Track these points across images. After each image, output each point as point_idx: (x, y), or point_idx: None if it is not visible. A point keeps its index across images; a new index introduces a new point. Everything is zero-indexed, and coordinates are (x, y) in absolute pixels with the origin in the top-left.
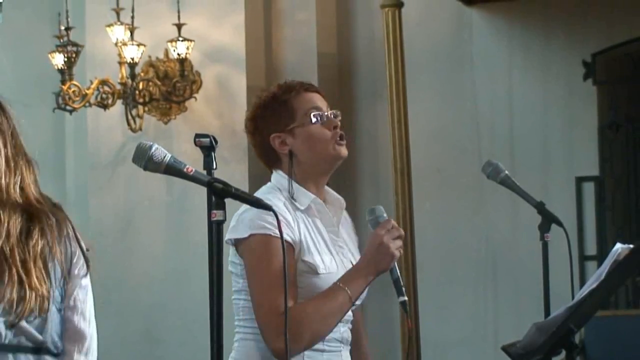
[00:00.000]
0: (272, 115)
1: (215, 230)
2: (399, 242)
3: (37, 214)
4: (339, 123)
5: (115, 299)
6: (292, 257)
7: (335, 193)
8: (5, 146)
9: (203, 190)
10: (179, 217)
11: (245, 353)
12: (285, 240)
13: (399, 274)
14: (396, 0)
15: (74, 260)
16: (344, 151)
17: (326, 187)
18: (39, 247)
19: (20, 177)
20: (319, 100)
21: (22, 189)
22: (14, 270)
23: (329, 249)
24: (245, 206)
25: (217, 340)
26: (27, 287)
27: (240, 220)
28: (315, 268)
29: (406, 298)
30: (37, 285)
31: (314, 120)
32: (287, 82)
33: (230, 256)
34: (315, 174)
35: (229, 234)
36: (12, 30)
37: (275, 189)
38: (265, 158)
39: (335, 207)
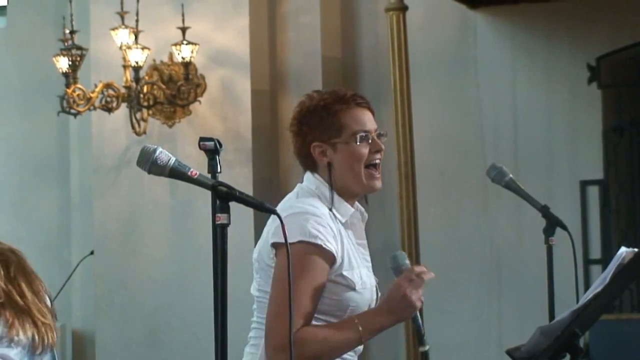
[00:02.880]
0: (319, 123)
1: (220, 233)
2: (421, 291)
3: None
4: (383, 147)
5: (119, 301)
6: (328, 270)
7: (359, 205)
8: None
9: (207, 194)
10: (183, 221)
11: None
12: (330, 252)
13: (420, 322)
14: (400, 4)
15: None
16: (377, 185)
17: None
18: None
19: None
20: (369, 120)
21: None
22: (22, 307)
23: (362, 264)
24: (289, 209)
25: (222, 342)
26: (42, 324)
27: (287, 224)
28: (354, 284)
29: (427, 347)
30: (45, 321)
31: (359, 141)
32: (340, 92)
33: (260, 255)
34: (346, 192)
35: (274, 237)
36: (16, 34)
37: (315, 196)
38: (303, 160)
39: (359, 220)
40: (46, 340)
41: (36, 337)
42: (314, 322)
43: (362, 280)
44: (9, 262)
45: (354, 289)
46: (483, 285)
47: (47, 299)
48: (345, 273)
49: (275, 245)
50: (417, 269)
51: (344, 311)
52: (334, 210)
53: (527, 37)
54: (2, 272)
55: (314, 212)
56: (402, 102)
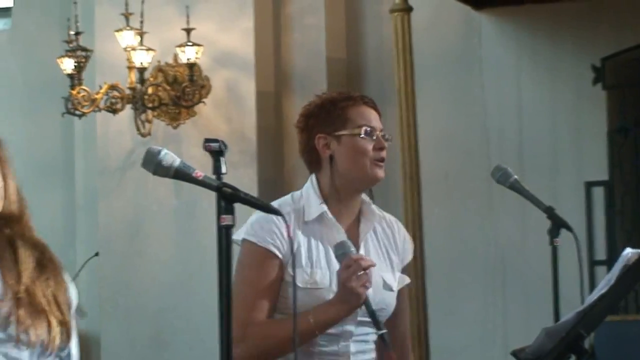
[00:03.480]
0: (325, 116)
1: (224, 234)
2: (365, 277)
3: (44, 253)
4: (386, 145)
5: (124, 302)
6: (277, 269)
7: (373, 207)
8: (12, 177)
9: (212, 195)
10: (187, 222)
11: None
12: (271, 252)
13: (372, 308)
14: (405, 5)
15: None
16: (380, 173)
17: (367, 200)
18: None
19: (27, 211)
20: (374, 118)
21: (29, 223)
22: (35, 307)
23: (329, 265)
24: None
25: (226, 344)
26: (58, 324)
27: (245, 223)
28: (295, 281)
29: (385, 330)
30: (58, 322)
31: (363, 134)
32: (348, 92)
33: None
34: (348, 186)
35: (235, 233)
36: (21, 35)
37: (292, 197)
38: (307, 157)
39: (370, 221)
40: (59, 340)
41: (49, 337)
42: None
43: (313, 279)
44: (43, 255)
45: (297, 286)
46: (488, 286)
47: (69, 294)
48: (289, 270)
49: (235, 242)
50: (355, 256)
51: (289, 308)
52: (305, 209)
53: (531, 38)
54: (32, 266)
55: (264, 215)
56: (407, 102)
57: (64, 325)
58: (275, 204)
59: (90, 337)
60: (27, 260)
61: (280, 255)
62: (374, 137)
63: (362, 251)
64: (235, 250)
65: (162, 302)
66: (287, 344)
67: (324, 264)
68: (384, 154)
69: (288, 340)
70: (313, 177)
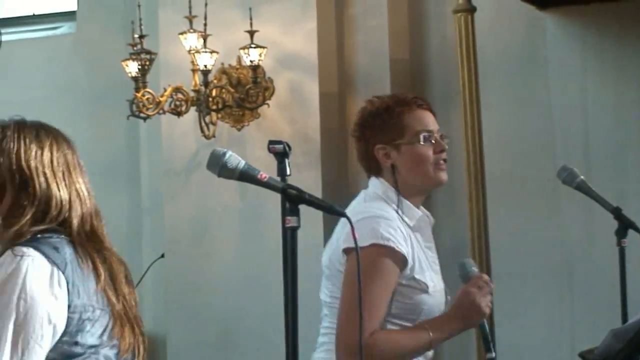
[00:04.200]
0: (381, 125)
1: (290, 236)
2: (490, 298)
3: (112, 258)
4: (446, 147)
5: (190, 304)
6: (399, 273)
7: (424, 209)
8: (85, 184)
9: (277, 197)
10: (252, 223)
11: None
12: (402, 254)
13: (487, 330)
14: (468, 5)
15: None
16: (443, 177)
17: None
18: (125, 289)
19: (98, 219)
20: (431, 121)
21: (103, 232)
22: (126, 313)
23: (430, 267)
24: (360, 213)
25: (293, 345)
26: (140, 332)
27: (358, 229)
28: (426, 287)
29: (494, 355)
30: (140, 329)
31: (422, 141)
32: (400, 95)
33: (331, 262)
34: (412, 192)
35: (345, 242)
36: (86, 39)
37: (381, 200)
38: (366, 164)
39: (427, 224)
40: (141, 350)
41: (134, 346)
42: (388, 327)
43: (434, 283)
44: (126, 267)
45: (426, 292)
46: (554, 287)
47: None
48: (417, 276)
49: (347, 251)
50: (485, 277)
51: (417, 314)
52: (400, 214)
53: (597, 37)
54: (123, 279)
55: (384, 215)
56: (471, 103)
57: (143, 335)
58: (374, 208)
59: (156, 339)
60: (119, 274)
61: (407, 259)
62: (433, 141)
63: (433, 252)
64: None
65: (227, 304)
66: (407, 356)
67: (428, 267)
68: (444, 155)
69: (411, 351)
70: (381, 180)
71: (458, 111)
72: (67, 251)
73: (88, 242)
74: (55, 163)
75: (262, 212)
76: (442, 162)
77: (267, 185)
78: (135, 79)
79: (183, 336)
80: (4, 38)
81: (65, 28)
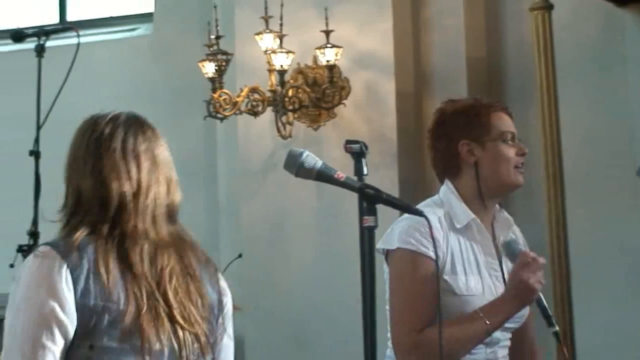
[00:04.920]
0: (466, 122)
1: (367, 236)
2: (540, 274)
3: (174, 248)
4: (527, 151)
5: (266, 303)
6: (433, 271)
7: (505, 213)
8: (139, 172)
9: (354, 196)
10: (329, 223)
11: None
12: (426, 255)
13: (545, 304)
14: (545, 2)
15: (227, 317)
16: (521, 180)
17: (497, 206)
18: (174, 283)
19: (154, 206)
20: (513, 124)
21: (153, 220)
22: (160, 311)
23: (480, 271)
24: (405, 215)
25: (371, 346)
26: (180, 328)
27: (392, 231)
28: (453, 289)
29: (557, 328)
30: (190, 326)
31: (507, 141)
32: (484, 98)
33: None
34: (489, 192)
35: (380, 243)
36: (162, 40)
37: (433, 204)
38: (444, 164)
39: (503, 226)
40: (186, 350)
41: (174, 343)
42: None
43: (468, 287)
44: (179, 259)
45: (455, 294)
46: (635, 287)
47: (209, 302)
48: (445, 277)
49: (381, 251)
50: (532, 254)
51: (452, 317)
52: (451, 216)
53: None
54: (159, 266)
55: (415, 218)
56: (549, 101)
57: (196, 333)
58: (423, 206)
59: (234, 338)
60: (151, 266)
61: (437, 261)
62: (515, 143)
63: (493, 260)
64: (378, 258)
65: (305, 303)
66: (464, 347)
67: (475, 271)
68: (523, 160)
69: (466, 342)
70: (449, 183)
71: (535, 110)
72: (89, 250)
73: (122, 237)
74: (91, 157)
75: (338, 211)
76: (521, 165)
77: (344, 184)
78: (212, 79)
79: (260, 336)
80: (82, 40)
81: (142, 30)
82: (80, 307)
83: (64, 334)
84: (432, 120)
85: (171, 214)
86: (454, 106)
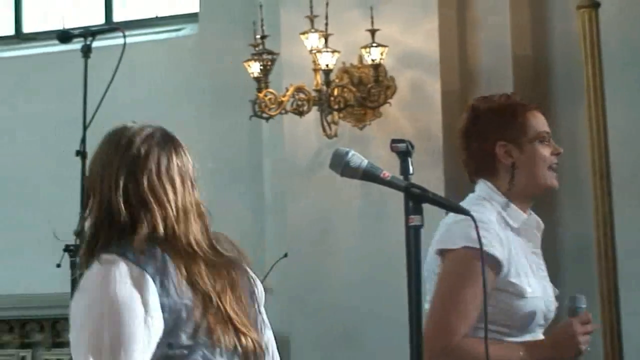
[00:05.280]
0: (502, 122)
1: (413, 235)
2: (588, 338)
3: (217, 267)
4: (562, 151)
5: (313, 302)
6: (493, 276)
7: (534, 214)
8: (175, 194)
9: (399, 195)
10: (375, 222)
11: None
12: (495, 257)
13: None
14: (592, 1)
15: (261, 304)
16: (555, 182)
17: None
18: (229, 299)
19: (190, 229)
20: (547, 125)
21: (196, 241)
22: (224, 316)
23: (533, 272)
24: (455, 216)
25: (417, 343)
26: (244, 336)
27: (450, 230)
28: (522, 291)
29: None
30: (249, 333)
31: (544, 142)
32: (511, 95)
33: (428, 264)
34: (524, 194)
35: (438, 244)
36: (208, 40)
37: (484, 201)
38: (478, 164)
39: (534, 228)
40: (253, 354)
41: (239, 348)
42: (481, 333)
43: (532, 288)
44: (220, 269)
45: (523, 297)
46: None
47: (256, 310)
48: (513, 280)
49: (440, 252)
50: (589, 316)
51: (513, 319)
52: (505, 215)
53: None
54: (223, 274)
55: (479, 217)
56: (596, 100)
57: (254, 338)
58: (473, 208)
59: (279, 337)
60: (202, 275)
61: (502, 262)
62: (550, 143)
63: (539, 259)
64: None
65: (351, 302)
66: None
67: (530, 272)
68: (556, 160)
69: None
70: (487, 182)
71: (582, 108)
72: (152, 253)
73: (177, 248)
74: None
75: (384, 210)
76: (555, 165)
77: (390, 184)
78: (257, 79)
79: (306, 335)
80: (128, 40)
81: (187, 30)
82: (162, 307)
83: (156, 335)
84: (464, 119)
85: (205, 229)
86: (488, 105)
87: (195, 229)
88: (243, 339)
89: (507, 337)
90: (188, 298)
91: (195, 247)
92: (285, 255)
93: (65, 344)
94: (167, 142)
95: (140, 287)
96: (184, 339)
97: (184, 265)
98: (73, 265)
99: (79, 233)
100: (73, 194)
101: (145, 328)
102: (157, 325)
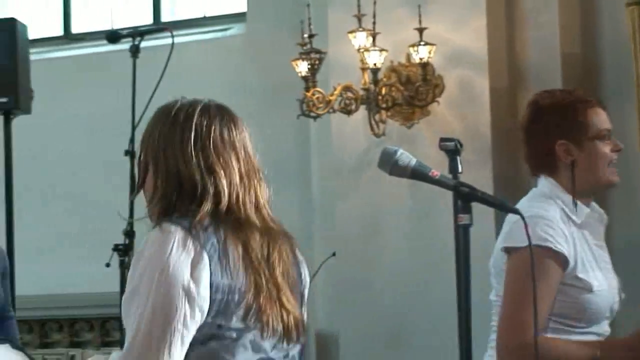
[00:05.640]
0: (563, 120)
1: (462, 234)
2: None
3: (274, 236)
4: (622, 147)
5: (361, 301)
6: (561, 272)
7: (597, 207)
8: (238, 161)
9: (448, 194)
10: (423, 221)
11: None
12: (562, 254)
13: None
14: None
15: (306, 287)
16: (616, 178)
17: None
18: (280, 269)
19: (254, 195)
20: (608, 119)
21: (257, 208)
22: (273, 295)
23: (598, 266)
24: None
25: (466, 343)
26: (287, 313)
27: (516, 229)
28: (589, 286)
29: None
30: (293, 310)
31: (604, 140)
32: (575, 92)
33: (495, 261)
34: (585, 190)
35: (505, 242)
36: (256, 40)
37: (547, 198)
38: (538, 161)
39: (597, 221)
40: (294, 332)
41: (285, 327)
42: (551, 326)
43: (599, 282)
44: (274, 244)
45: (591, 291)
46: None
47: (300, 290)
48: (580, 275)
49: (507, 250)
50: None
51: (582, 314)
52: (568, 212)
53: None
54: (275, 257)
55: (544, 215)
56: None
57: (296, 317)
58: (535, 207)
59: (328, 336)
60: (257, 250)
61: (569, 259)
62: (611, 140)
63: (603, 251)
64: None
65: (399, 302)
66: None
67: (596, 266)
68: (616, 156)
69: None
70: (549, 178)
71: (632, 105)
72: (214, 231)
73: (238, 222)
74: (204, 144)
75: (433, 209)
76: (614, 161)
77: (438, 183)
78: (305, 78)
79: (355, 334)
80: (176, 40)
81: (235, 29)
82: (215, 286)
83: (200, 311)
84: (525, 114)
85: (265, 195)
86: (549, 101)
87: (259, 194)
88: (285, 316)
89: (575, 330)
90: (242, 281)
91: (254, 217)
92: (334, 255)
93: (115, 343)
94: (225, 113)
95: (193, 261)
96: (235, 321)
97: (241, 243)
98: (122, 265)
99: (128, 232)
100: (122, 194)
101: (191, 302)
102: (202, 302)
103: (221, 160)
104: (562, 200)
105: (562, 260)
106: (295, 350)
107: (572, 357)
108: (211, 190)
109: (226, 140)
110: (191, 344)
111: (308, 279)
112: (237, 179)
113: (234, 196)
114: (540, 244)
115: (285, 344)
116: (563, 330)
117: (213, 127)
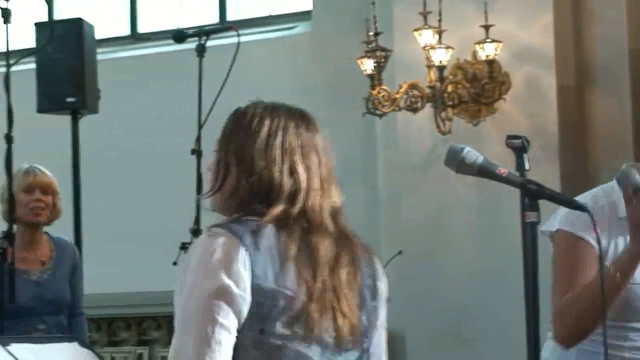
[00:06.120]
0: None
1: (530, 231)
2: None
3: (346, 244)
4: None
5: (428, 299)
6: (595, 259)
7: None
8: (319, 166)
9: (515, 192)
10: (490, 219)
11: (551, 349)
12: (586, 241)
13: None
14: None
15: (381, 300)
16: None
17: None
18: (345, 278)
19: (331, 200)
20: None
21: (332, 213)
22: (329, 303)
23: None
24: None
25: (534, 340)
26: (343, 321)
27: (556, 214)
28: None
29: None
30: (351, 318)
31: None
32: None
33: None
34: None
35: (544, 226)
36: (321, 38)
37: (603, 192)
38: None
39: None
40: (349, 340)
41: (338, 336)
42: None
43: (635, 276)
44: (344, 249)
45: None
46: None
47: (364, 288)
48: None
49: (545, 234)
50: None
51: (619, 306)
52: (616, 205)
53: None
54: (328, 260)
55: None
56: None
57: (352, 322)
58: (588, 195)
59: (395, 335)
60: (323, 255)
61: (595, 246)
62: None
63: None
64: (541, 243)
65: (466, 300)
66: (596, 298)
67: None
68: None
69: (595, 293)
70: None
71: None
72: (266, 235)
73: (310, 226)
74: (273, 144)
75: (499, 207)
76: None
77: (505, 180)
78: (370, 76)
79: (422, 332)
80: (242, 39)
81: (300, 28)
82: (257, 290)
83: (238, 313)
84: None
85: (338, 207)
86: None
87: (335, 200)
88: (340, 321)
89: (610, 321)
90: (291, 287)
91: (328, 222)
92: (400, 253)
93: None
94: (307, 117)
95: (234, 263)
96: (279, 327)
97: (306, 247)
98: None
99: (195, 231)
100: (189, 193)
101: (229, 302)
102: (241, 303)
103: (305, 163)
104: (618, 194)
105: (588, 244)
106: (353, 357)
107: (587, 290)
108: (288, 191)
109: (311, 144)
110: (235, 349)
111: (384, 291)
112: (317, 183)
113: (311, 199)
114: (565, 229)
115: (337, 353)
116: (618, 328)
117: (299, 131)
